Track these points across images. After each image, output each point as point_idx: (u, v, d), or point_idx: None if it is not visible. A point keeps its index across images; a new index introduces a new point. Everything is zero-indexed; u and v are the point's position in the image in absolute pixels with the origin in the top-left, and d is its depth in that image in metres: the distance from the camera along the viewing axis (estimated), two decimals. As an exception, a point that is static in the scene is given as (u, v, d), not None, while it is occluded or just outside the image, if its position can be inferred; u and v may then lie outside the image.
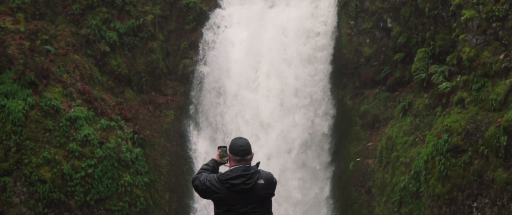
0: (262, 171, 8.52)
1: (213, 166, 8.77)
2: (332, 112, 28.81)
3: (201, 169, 8.74)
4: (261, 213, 8.51)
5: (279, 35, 28.84)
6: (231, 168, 8.49)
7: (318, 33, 28.72)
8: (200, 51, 29.76)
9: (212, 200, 8.54)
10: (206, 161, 9.20)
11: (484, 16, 23.10)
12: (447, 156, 22.75)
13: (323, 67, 28.69)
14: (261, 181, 8.41)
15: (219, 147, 8.94)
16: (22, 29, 26.65)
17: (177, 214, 28.33)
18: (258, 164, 8.60)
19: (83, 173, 25.23)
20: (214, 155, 28.13)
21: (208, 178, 8.49)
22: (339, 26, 28.85)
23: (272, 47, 28.89)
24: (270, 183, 8.50)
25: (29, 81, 25.31)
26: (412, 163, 24.62)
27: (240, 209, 8.43)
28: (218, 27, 29.90)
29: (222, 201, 8.45)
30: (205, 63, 29.66)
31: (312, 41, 28.66)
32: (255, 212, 8.46)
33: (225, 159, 8.80)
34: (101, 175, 25.62)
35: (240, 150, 8.46)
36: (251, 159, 8.54)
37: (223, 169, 8.73)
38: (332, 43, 28.77)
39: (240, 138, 8.63)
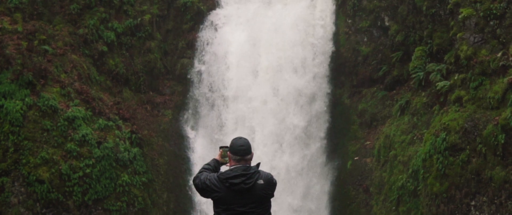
0: (262, 171, 8.55)
1: (214, 166, 8.81)
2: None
3: (202, 168, 8.80)
4: (260, 213, 8.52)
5: (276, 34, 28.80)
6: (231, 167, 8.53)
7: (316, 33, 28.68)
8: (198, 51, 29.75)
9: (212, 199, 8.58)
10: (206, 160, 9.22)
11: (481, 14, 23.12)
12: (445, 154, 22.77)
13: (322, 67, 28.68)
14: (261, 181, 8.44)
15: (220, 147, 8.98)
16: (19, 29, 26.62)
17: (175, 213, 28.32)
18: (258, 164, 8.62)
19: (81, 173, 25.22)
20: (211, 154, 28.06)
21: (208, 177, 8.53)
22: (336, 25, 28.84)
23: (269, 45, 28.86)
24: (270, 184, 8.52)
25: (27, 81, 25.29)
26: (410, 162, 24.64)
27: (239, 208, 8.45)
28: (216, 26, 29.89)
29: (221, 200, 8.48)
30: (202, 63, 29.64)
31: (310, 40, 28.63)
32: (253, 212, 8.48)
33: (227, 159, 8.83)
34: (99, 175, 25.61)
35: (240, 149, 8.49)
36: (251, 159, 8.57)
37: (224, 169, 8.75)
38: (329, 42, 28.76)
39: (241, 138, 8.66)
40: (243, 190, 8.38)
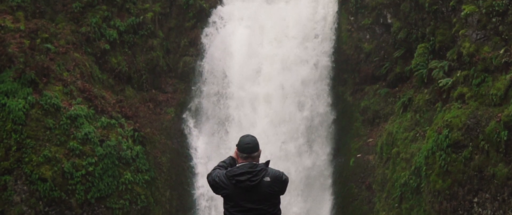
0: (271, 169, 8.63)
1: (229, 163, 8.91)
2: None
3: (217, 165, 8.96)
4: (268, 210, 8.60)
5: (279, 31, 28.80)
6: (239, 165, 8.64)
7: (318, 30, 28.68)
8: (200, 49, 29.75)
9: (221, 196, 8.70)
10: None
11: (484, 11, 23.12)
12: (448, 151, 22.78)
13: (324, 64, 28.64)
14: (267, 179, 8.50)
15: (237, 145, 9.04)
16: (22, 27, 26.65)
17: (177, 211, 28.35)
18: (267, 162, 8.69)
19: (83, 171, 25.24)
20: (214, 152, 27.92)
21: (217, 174, 8.66)
22: (339, 22, 28.84)
23: (272, 42, 28.84)
24: (277, 181, 8.57)
25: (29, 79, 25.31)
26: (412, 159, 24.65)
27: (246, 204, 8.55)
28: (218, 24, 29.87)
29: (229, 197, 8.60)
30: (205, 61, 29.64)
31: (312, 37, 28.62)
32: (261, 208, 8.57)
33: None
34: (102, 173, 25.64)
35: (246, 147, 8.59)
36: (258, 157, 8.67)
37: None
38: (332, 39, 28.74)
39: (248, 136, 8.77)
40: (249, 187, 8.47)
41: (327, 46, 28.70)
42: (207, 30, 29.85)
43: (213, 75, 29.43)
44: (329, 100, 28.65)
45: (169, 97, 29.60)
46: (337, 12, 28.89)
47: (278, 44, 28.70)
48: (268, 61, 28.69)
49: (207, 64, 29.58)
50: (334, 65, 28.72)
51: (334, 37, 28.77)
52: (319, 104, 28.54)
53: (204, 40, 29.78)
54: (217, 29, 29.75)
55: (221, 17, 29.94)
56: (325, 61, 28.62)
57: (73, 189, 25.09)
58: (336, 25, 28.84)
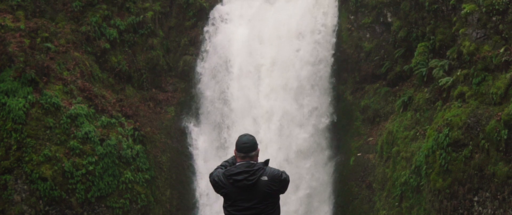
0: (270, 168, 8.65)
1: (232, 163, 8.95)
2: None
3: (220, 165, 9.02)
4: (264, 210, 8.62)
5: (279, 30, 28.74)
6: (237, 164, 8.66)
7: (318, 29, 28.62)
8: (201, 48, 29.74)
9: (221, 195, 8.76)
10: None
11: (484, 10, 23.10)
12: (448, 150, 22.77)
13: (325, 63, 28.55)
14: (265, 178, 8.53)
15: (235, 144, 9.05)
16: (22, 27, 26.66)
17: (178, 210, 28.35)
18: (267, 161, 8.70)
19: (84, 171, 25.26)
20: (214, 151, 27.83)
21: (218, 174, 8.73)
22: (339, 21, 28.79)
23: (272, 42, 28.79)
24: (275, 180, 8.58)
25: (29, 79, 25.32)
26: (412, 158, 24.64)
27: (243, 204, 8.59)
28: (218, 23, 29.84)
29: (227, 196, 8.65)
30: (205, 60, 29.63)
31: (312, 36, 28.56)
32: (257, 207, 8.60)
33: None
34: (102, 172, 25.65)
35: (244, 147, 8.62)
36: (256, 156, 8.69)
37: None
38: (332, 38, 28.69)
39: (245, 135, 8.79)
40: (246, 186, 8.51)
41: (327, 45, 28.60)
42: (207, 29, 29.75)
43: (213, 74, 29.38)
44: (329, 99, 28.54)
45: (169, 96, 29.61)
46: (337, 11, 28.78)
47: (278, 43, 28.60)
48: (268, 60, 28.55)
49: (207, 63, 29.51)
50: (334, 64, 28.60)
51: (334, 36, 28.64)
52: (319, 103, 28.46)
53: (204, 39, 29.69)
54: (217, 28, 29.66)
55: (221, 16, 29.83)
56: (325, 60, 28.50)
57: (73, 188, 25.11)
58: (336, 24, 28.70)
